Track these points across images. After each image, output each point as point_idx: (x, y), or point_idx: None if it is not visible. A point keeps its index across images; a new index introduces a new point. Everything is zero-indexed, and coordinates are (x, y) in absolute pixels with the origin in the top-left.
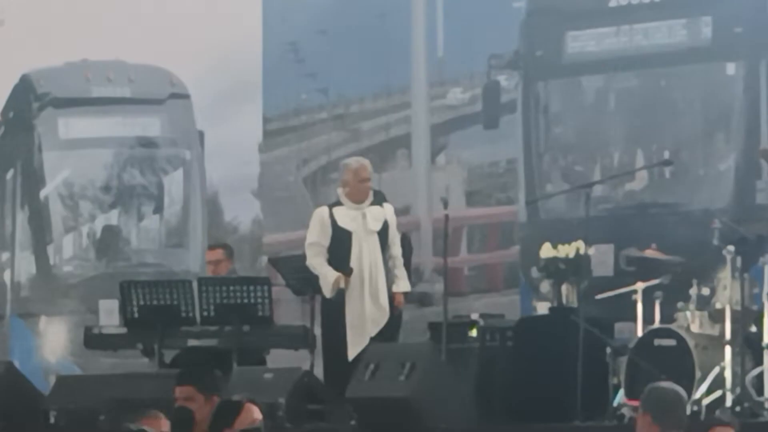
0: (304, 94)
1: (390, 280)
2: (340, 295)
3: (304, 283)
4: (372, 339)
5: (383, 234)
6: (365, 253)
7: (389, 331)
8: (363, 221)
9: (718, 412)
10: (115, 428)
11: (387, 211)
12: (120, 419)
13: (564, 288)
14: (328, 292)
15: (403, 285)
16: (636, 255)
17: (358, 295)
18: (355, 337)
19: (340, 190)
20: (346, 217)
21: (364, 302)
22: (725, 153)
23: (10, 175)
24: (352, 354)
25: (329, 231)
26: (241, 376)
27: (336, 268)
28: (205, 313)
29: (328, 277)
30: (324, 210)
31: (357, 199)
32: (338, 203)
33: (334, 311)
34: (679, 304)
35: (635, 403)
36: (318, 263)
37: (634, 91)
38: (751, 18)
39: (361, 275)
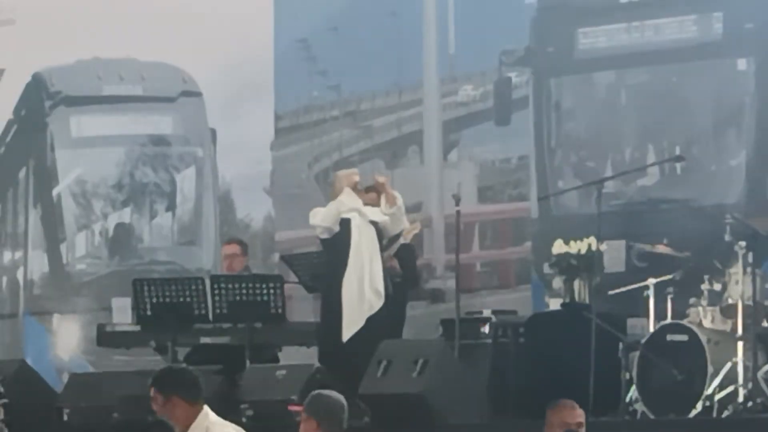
0: (315, 91)
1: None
2: (338, 281)
3: (317, 280)
4: (377, 335)
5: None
6: (364, 240)
7: (393, 326)
8: (360, 212)
9: None
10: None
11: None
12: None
13: (576, 284)
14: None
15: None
16: (648, 251)
17: (355, 278)
18: (351, 317)
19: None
20: (351, 212)
21: (363, 285)
22: (736, 148)
23: (22, 173)
24: (346, 335)
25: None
26: (254, 374)
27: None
28: (218, 311)
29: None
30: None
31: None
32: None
33: (331, 295)
34: (691, 300)
35: None
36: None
37: (645, 87)
38: (761, 14)
39: (361, 260)
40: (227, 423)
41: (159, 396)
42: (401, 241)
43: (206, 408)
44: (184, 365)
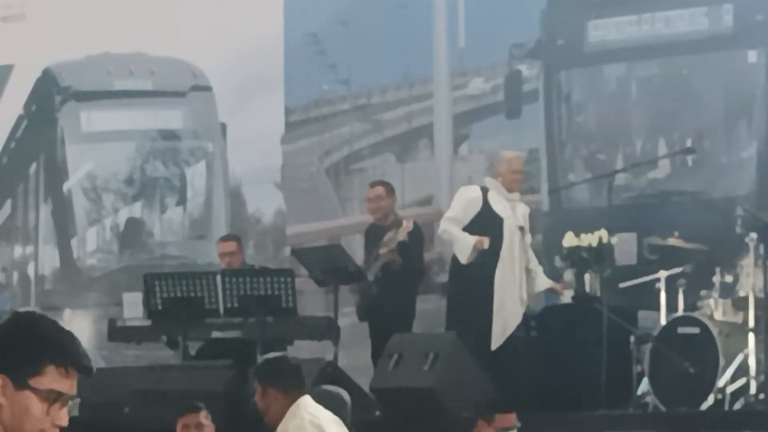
0: (325, 85)
1: (532, 278)
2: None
3: (328, 274)
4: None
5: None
6: (516, 244)
7: (404, 321)
8: (513, 213)
9: None
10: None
11: (524, 211)
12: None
13: (587, 277)
14: (466, 255)
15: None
16: (659, 243)
17: (509, 284)
18: (503, 323)
19: (490, 179)
20: (499, 203)
21: (514, 292)
22: (747, 140)
23: (33, 168)
24: (495, 344)
25: (475, 211)
26: None
27: (485, 252)
28: (229, 305)
29: (467, 240)
30: (475, 189)
31: (510, 189)
32: (486, 189)
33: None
34: (703, 292)
35: None
36: (453, 229)
37: (656, 80)
38: None
39: (513, 264)
40: (325, 415)
41: (258, 386)
42: (398, 238)
43: (303, 398)
44: (284, 355)
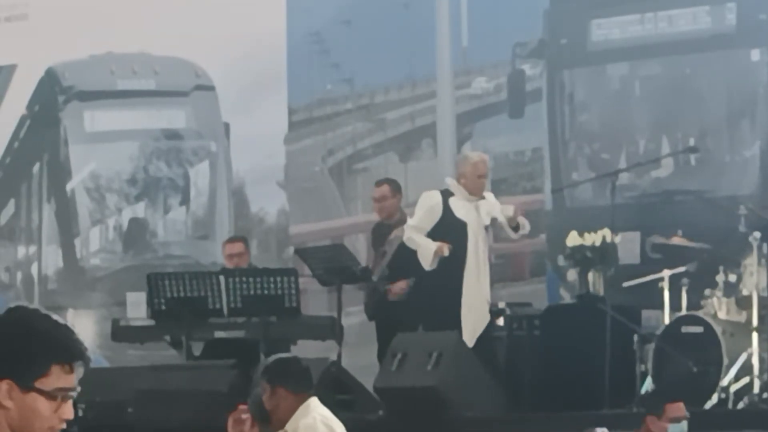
0: (329, 84)
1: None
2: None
3: (331, 273)
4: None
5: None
6: (480, 247)
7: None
8: (477, 215)
9: None
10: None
11: (493, 204)
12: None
13: (591, 276)
14: (428, 262)
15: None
16: (662, 242)
17: (473, 284)
18: (473, 324)
19: (452, 181)
20: (462, 208)
21: (480, 294)
22: (750, 139)
23: (36, 168)
24: (471, 341)
25: (437, 217)
26: None
27: (450, 258)
28: (233, 305)
29: (429, 246)
30: (436, 196)
31: (473, 192)
32: (449, 192)
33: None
34: (706, 291)
35: None
36: (416, 236)
37: (659, 79)
38: None
39: (478, 267)
40: (332, 417)
41: (267, 386)
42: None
43: (311, 400)
44: (293, 355)
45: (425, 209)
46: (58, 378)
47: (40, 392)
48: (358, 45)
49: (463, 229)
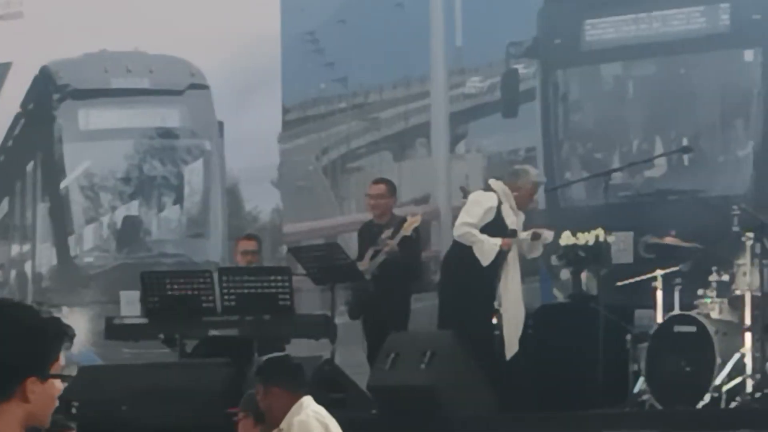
0: (323, 83)
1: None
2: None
3: (325, 272)
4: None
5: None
6: (517, 255)
7: (399, 320)
8: (519, 225)
9: None
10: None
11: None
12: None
13: (584, 275)
14: (490, 258)
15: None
16: (655, 242)
17: (514, 288)
18: (515, 328)
19: (504, 187)
20: (510, 215)
21: (518, 298)
22: (744, 139)
23: (30, 166)
24: (510, 352)
25: (490, 219)
26: None
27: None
28: (226, 303)
29: (494, 241)
30: (493, 198)
31: (520, 207)
32: (500, 200)
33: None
34: (699, 291)
35: None
36: (475, 231)
37: (653, 79)
38: None
39: (516, 273)
40: (326, 414)
41: (260, 386)
42: (404, 233)
43: (305, 398)
44: (287, 355)
45: (484, 209)
46: (58, 360)
47: (54, 377)
48: (353, 44)
49: (512, 235)
